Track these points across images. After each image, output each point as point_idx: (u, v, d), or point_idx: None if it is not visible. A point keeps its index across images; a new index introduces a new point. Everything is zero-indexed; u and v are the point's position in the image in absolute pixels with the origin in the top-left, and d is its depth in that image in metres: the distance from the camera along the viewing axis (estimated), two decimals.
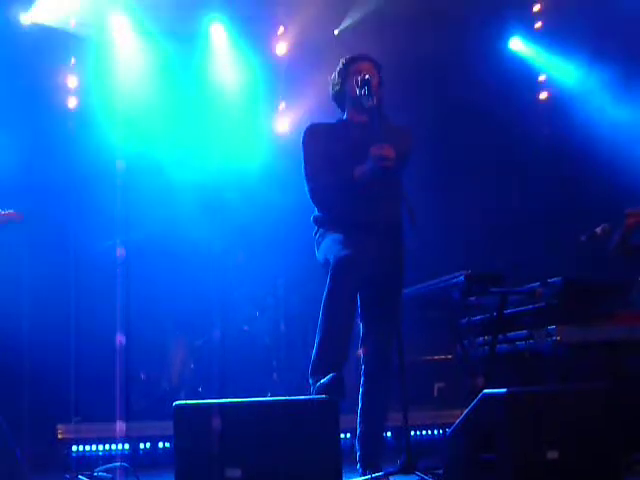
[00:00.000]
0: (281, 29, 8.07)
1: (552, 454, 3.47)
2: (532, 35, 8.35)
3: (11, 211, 4.66)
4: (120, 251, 6.49)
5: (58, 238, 6.74)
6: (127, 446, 5.84)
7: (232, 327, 7.29)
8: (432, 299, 4.90)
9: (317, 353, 3.83)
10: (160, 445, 5.94)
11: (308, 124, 4.29)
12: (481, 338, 5.02)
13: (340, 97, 4.35)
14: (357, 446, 4.19)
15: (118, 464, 4.80)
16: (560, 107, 8.28)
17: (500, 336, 4.86)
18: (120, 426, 5.78)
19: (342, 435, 4.15)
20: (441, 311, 5.02)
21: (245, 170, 7.47)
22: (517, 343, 4.87)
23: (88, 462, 5.58)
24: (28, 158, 6.62)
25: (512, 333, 4.89)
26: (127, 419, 5.86)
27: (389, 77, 4.39)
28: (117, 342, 6.33)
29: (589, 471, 3.52)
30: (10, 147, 6.52)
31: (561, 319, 4.58)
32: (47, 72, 7.08)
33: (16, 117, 6.59)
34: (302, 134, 4.25)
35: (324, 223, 4.20)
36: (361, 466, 4.11)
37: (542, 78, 8.51)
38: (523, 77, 8.30)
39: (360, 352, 4.22)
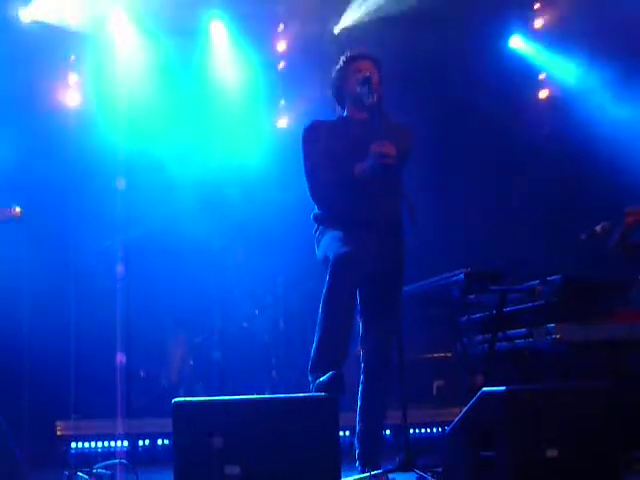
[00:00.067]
0: (281, 26, 8.06)
1: (551, 452, 3.47)
2: (532, 33, 8.35)
3: (12, 208, 4.65)
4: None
5: (58, 237, 6.74)
6: (126, 443, 5.84)
7: (231, 324, 7.29)
8: (432, 297, 4.89)
9: (316, 350, 3.82)
10: (159, 442, 5.95)
11: (308, 121, 4.29)
12: (481, 336, 5.02)
13: (340, 94, 4.35)
14: (356, 444, 4.19)
15: (117, 461, 4.79)
16: (560, 106, 8.27)
17: (500, 334, 4.85)
18: (119, 423, 5.78)
19: (341, 433, 4.16)
20: (441, 309, 5.02)
21: (245, 168, 7.47)
22: (517, 341, 4.86)
23: (87, 459, 5.59)
24: (27, 156, 6.61)
25: (512, 331, 4.88)
26: (126, 416, 5.87)
27: (389, 76, 4.39)
28: (117, 336, 6.32)
29: (588, 469, 3.52)
30: (9, 145, 6.51)
31: (561, 317, 4.57)
32: (47, 70, 7.08)
33: (15, 115, 6.59)
34: (302, 131, 4.25)
35: (324, 220, 4.20)
36: (360, 464, 4.11)
37: (542, 77, 8.50)
38: (523, 76, 8.29)
39: (359, 350, 4.22)
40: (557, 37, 8.11)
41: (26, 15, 7.07)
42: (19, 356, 6.30)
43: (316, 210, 4.25)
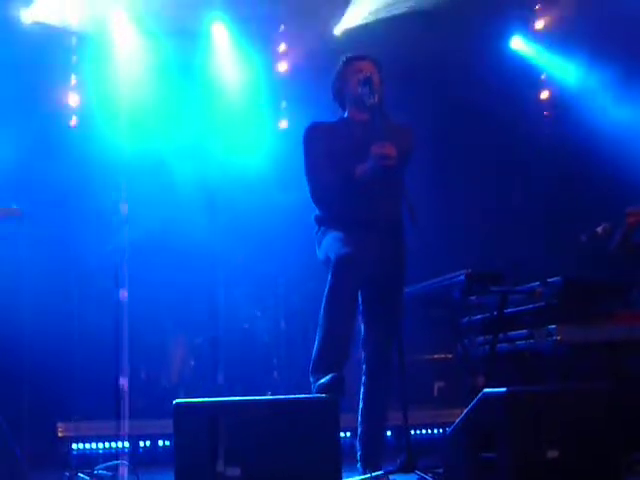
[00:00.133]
0: (282, 28, 8.07)
1: (552, 453, 3.47)
2: (533, 34, 8.35)
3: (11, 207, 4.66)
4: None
5: (59, 238, 6.73)
6: (127, 444, 5.83)
7: (232, 325, 7.29)
8: (432, 298, 4.90)
9: (318, 351, 3.83)
10: (160, 443, 5.96)
11: (309, 123, 4.29)
12: (481, 337, 5.02)
13: (341, 95, 4.36)
14: (357, 445, 4.19)
15: (118, 462, 4.79)
16: (561, 106, 8.27)
17: (500, 335, 4.85)
18: (120, 424, 5.77)
19: (342, 434, 4.15)
20: (441, 310, 5.02)
21: (246, 169, 7.46)
22: (517, 342, 4.86)
23: (88, 460, 5.59)
24: (28, 157, 6.61)
25: (512, 332, 4.88)
26: (127, 417, 5.86)
27: (390, 76, 4.39)
28: (118, 336, 6.30)
29: (589, 471, 3.52)
30: (10, 146, 6.52)
31: (561, 318, 4.57)
32: (48, 70, 7.08)
33: (16, 115, 6.59)
34: (303, 132, 4.25)
35: (325, 221, 4.20)
36: (361, 465, 4.11)
37: (543, 77, 8.50)
38: (524, 76, 8.28)
39: (361, 352, 4.22)
40: (558, 38, 8.11)
41: (27, 16, 7.08)
42: (20, 357, 6.29)
43: (317, 211, 4.26)
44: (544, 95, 8.51)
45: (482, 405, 3.59)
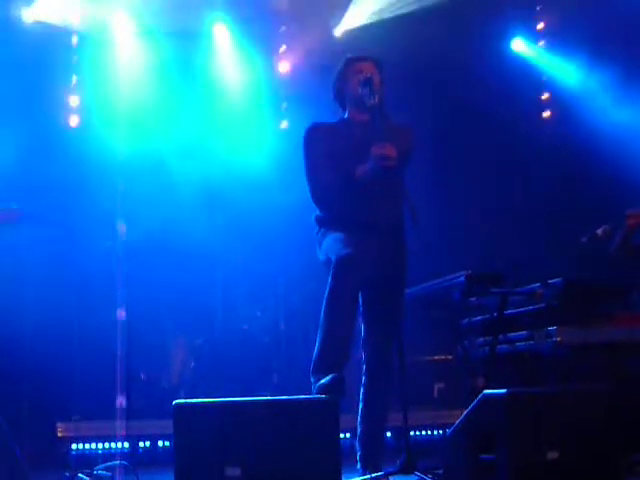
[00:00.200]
0: (283, 28, 8.07)
1: (552, 455, 3.47)
2: (534, 36, 8.36)
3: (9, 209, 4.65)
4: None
5: (58, 238, 6.73)
6: (127, 444, 5.84)
7: (232, 326, 7.29)
8: (432, 299, 4.89)
9: (318, 352, 3.82)
10: (160, 444, 5.95)
11: (309, 123, 4.29)
12: (481, 338, 5.02)
13: (341, 96, 4.36)
14: (357, 446, 4.19)
15: (118, 462, 4.79)
16: (561, 108, 8.28)
17: (500, 337, 4.85)
18: (120, 424, 5.78)
19: (342, 435, 4.15)
20: (441, 311, 5.02)
21: (246, 169, 7.46)
22: (517, 344, 4.86)
23: (88, 460, 5.58)
24: (28, 156, 6.61)
25: (512, 334, 4.88)
26: (127, 418, 5.87)
27: (391, 77, 4.39)
28: (118, 337, 6.31)
29: (589, 472, 3.52)
30: (10, 145, 6.51)
31: (561, 320, 4.57)
32: (49, 70, 7.08)
33: (16, 115, 6.59)
34: (303, 133, 4.25)
35: (325, 222, 4.20)
36: (361, 466, 4.11)
37: (544, 79, 8.51)
38: (525, 77, 8.29)
39: (361, 353, 4.23)
40: (558, 39, 8.12)
41: (28, 15, 7.08)
42: (20, 357, 6.30)
43: (317, 212, 4.26)
44: (545, 96, 8.52)
45: (482, 406, 3.59)
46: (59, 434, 5.79)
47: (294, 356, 7.06)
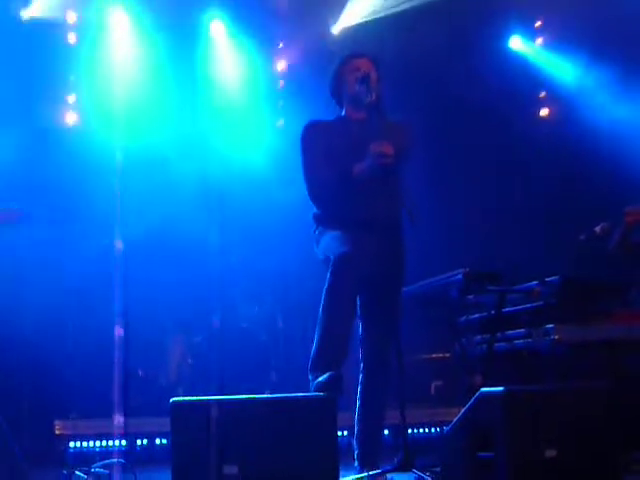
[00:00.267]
0: (280, 26, 8.06)
1: (550, 453, 3.46)
2: (532, 34, 8.35)
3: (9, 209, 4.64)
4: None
5: (57, 236, 6.73)
6: (124, 442, 5.84)
7: (230, 324, 7.28)
8: (430, 297, 4.89)
9: (316, 349, 3.82)
10: (157, 441, 5.95)
11: (307, 121, 4.29)
12: (479, 336, 5.02)
13: (338, 93, 4.35)
14: (355, 444, 4.19)
15: (115, 460, 4.79)
16: (560, 106, 8.28)
17: (498, 334, 4.85)
18: (117, 422, 5.77)
19: (339, 432, 4.15)
20: (439, 309, 5.01)
21: (245, 166, 7.45)
22: (515, 342, 4.85)
23: (85, 458, 5.59)
24: (25, 155, 6.60)
25: (510, 332, 4.87)
26: (125, 415, 5.86)
27: (388, 75, 4.39)
28: (115, 335, 6.31)
29: (587, 470, 3.52)
30: (7, 144, 6.50)
31: (559, 318, 4.57)
32: (46, 68, 7.06)
33: (13, 113, 6.58)
34: (301, 131, 4.25)
35: (323, 220, 4.20)
36: (359, 464, 4.11)
37: (542, 77, 8.50)
38: (523, 76, 8.29)
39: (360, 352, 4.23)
40: (556, 38, 8.12)
41: (26, 12, 7.07)
42: (18, 356, 6.29)
43: (315, 209, 4.25)
44: (542, 94, 8.52)
45: (480, 404, 3.59)
46: (57, 432, 5.78)
47: (292, 354, 7.06)
